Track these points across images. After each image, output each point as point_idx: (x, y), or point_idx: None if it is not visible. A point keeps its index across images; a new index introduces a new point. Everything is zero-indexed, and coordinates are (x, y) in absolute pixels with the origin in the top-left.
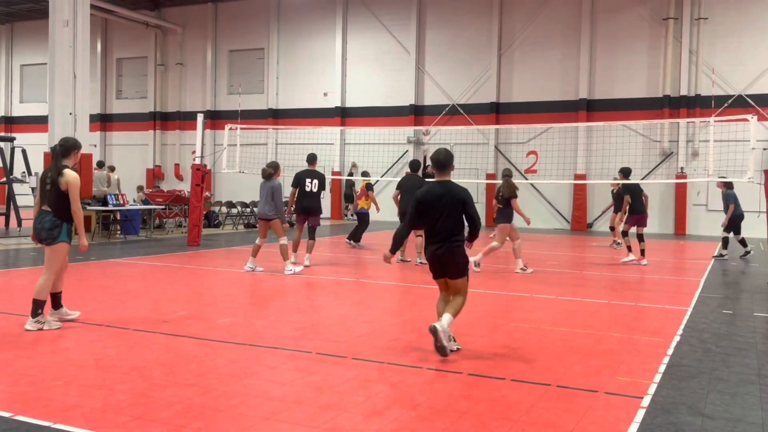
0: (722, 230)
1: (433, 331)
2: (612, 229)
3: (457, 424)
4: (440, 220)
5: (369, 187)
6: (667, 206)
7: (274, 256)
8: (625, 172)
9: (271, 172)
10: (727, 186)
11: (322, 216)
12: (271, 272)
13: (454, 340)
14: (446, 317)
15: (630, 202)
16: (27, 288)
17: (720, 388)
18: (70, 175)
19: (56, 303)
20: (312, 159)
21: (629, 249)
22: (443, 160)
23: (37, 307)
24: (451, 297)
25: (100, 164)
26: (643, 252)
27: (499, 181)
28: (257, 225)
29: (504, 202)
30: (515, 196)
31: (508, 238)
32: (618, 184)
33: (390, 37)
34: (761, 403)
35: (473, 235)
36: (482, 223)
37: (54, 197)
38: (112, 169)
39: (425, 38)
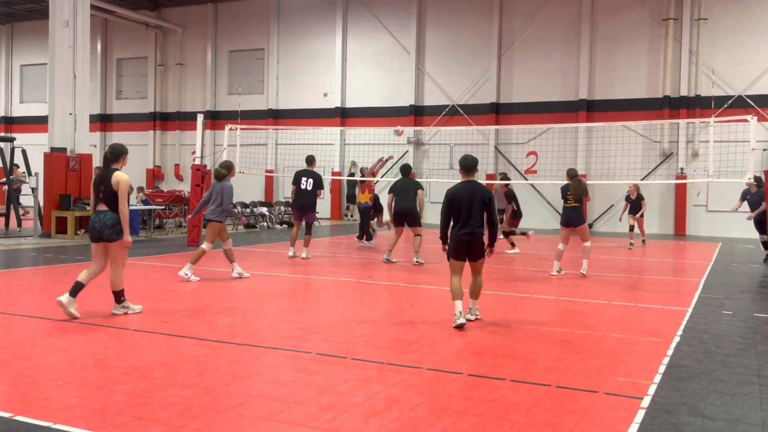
0: (759, 234)
1: (461, 326)
2: (631, 228)
3: (456, 424)
4: (470, 213)
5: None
6: (667, 207)
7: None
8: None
9: (224, 173)
10: (759, 184)
11: (320, 216)
12: (268, 274)
13: (471, 311)
14: (474, 303)
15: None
16: (27, 288)
17: (720, 389)
18: (120, 176)
19: (75, 292)
20: (310, 160)
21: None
22: (470, 164)
23: (120, 296)
24: (469, 278)
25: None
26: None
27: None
28: (257, 226)
29: (579, 201)
30: (587, 194)
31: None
32: (635, 188)
33: (390, 37)
34: (761, 404)
35: (492, 230)
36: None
37: (111, 196)
38: None
39: (425, 38)
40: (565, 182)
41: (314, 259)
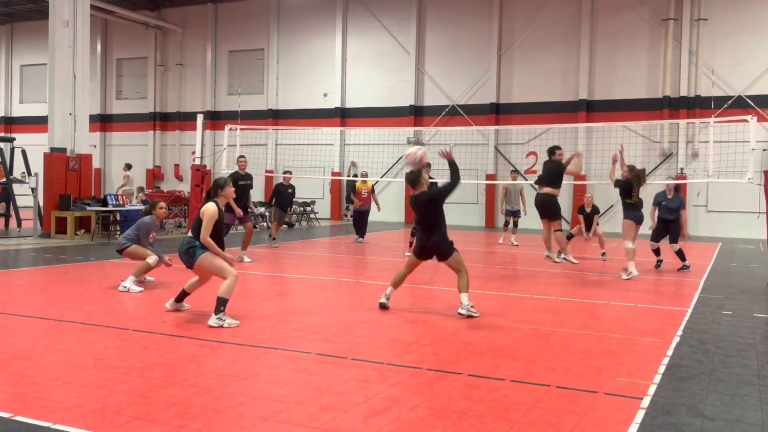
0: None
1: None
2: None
3: (456, 424)
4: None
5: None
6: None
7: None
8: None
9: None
10: (676, 188)
11: (320, 216)
12: (268, 274)
13: (472, 308)
14: (464, 296)
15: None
16: (27, 288)
17: (720, 389)
18: (207, 207)
19: (181, 298)
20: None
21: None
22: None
23: (221, 305)
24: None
25: (129, 166)
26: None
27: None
28: (256, 226)
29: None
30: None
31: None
32: (591, 199)
33: (390, 37)
34: (761, 404)
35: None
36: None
37: (195, 223)
38: (128, 167)
39: (425, 39)
40: (623, 179)
41: (314, 260)
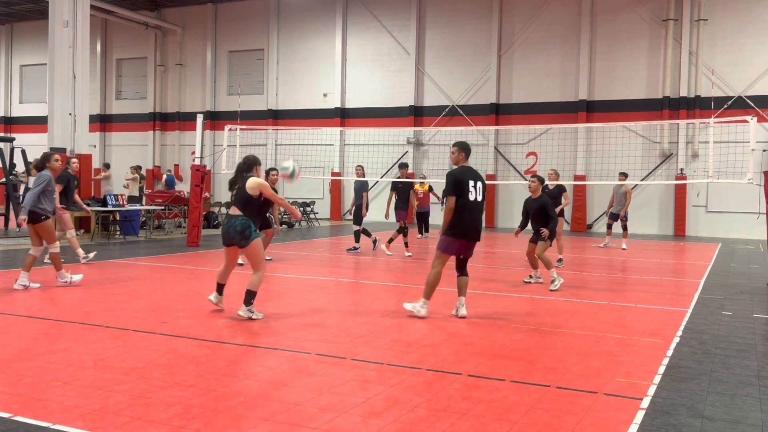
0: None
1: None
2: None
3: (456, 425)
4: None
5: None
6: (667, 207)
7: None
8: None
9: (39, 163)
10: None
11: (320, 216)
12: (269, 274)
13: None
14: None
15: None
16: (27, 288)
17: (719, 390)
18: (254, 179)
19: (220, 290)
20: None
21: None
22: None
23: (251, 297)
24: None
25: (107, 166)
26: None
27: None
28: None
29: None
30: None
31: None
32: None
33: (390, 37)
34: (761, 405)
35: None
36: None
37: (242, 201)
38: (137, 169)
39: (425, 39)
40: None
41: (314, 260)
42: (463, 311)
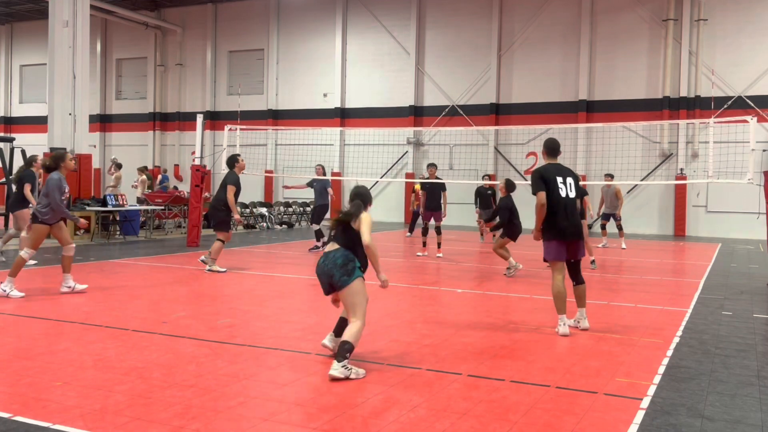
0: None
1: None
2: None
3: (456, 425)
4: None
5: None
6: (667, 207)
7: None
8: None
9: (49, 164)
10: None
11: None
12: (267, 275)
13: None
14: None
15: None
16: (27, 288)
17: (719, 390)
18: (367, 216)
19: (339, 331)
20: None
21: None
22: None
23: (348, 351)
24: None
25: (144, 168)
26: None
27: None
28: (256, 226)
29: None
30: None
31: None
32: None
33: (390, 37)
34: (761, 405)
35: None
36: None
37: (347, 239)
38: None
39: (425, 39)
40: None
41: (314, 260)
42: (585, 323)
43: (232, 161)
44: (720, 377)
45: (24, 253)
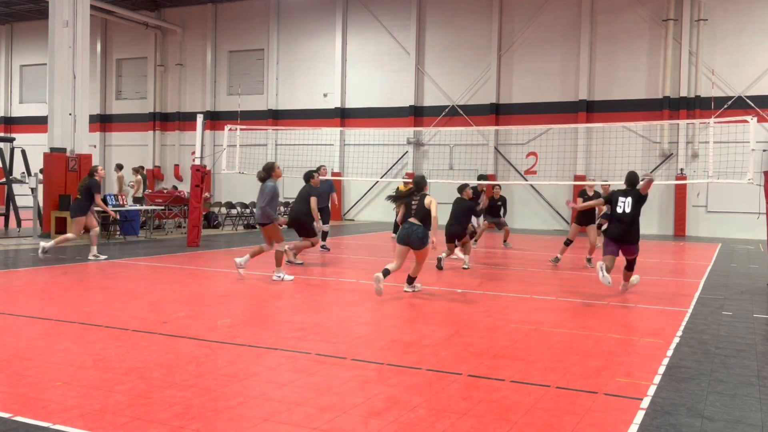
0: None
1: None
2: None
3: (456, 425)
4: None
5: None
6: (667, 207)
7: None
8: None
9: (263, 175)
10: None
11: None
12: (267, 275)
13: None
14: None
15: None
16: (26, 289)
17: (719, 390)
18: (431, 198)
19: (411, 281)
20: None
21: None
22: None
23: (412, 281)
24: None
25: (141, 168)
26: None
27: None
28: (257, 227)
29: None
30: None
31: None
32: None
33: (390, 37)
34: (761, 405)
35: None
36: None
37: (422, 214)
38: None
39: (425, 39)
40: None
41: (314, 259)
42: (624, 287)
43: (309, 175)
44: (720, 377)
45: (280, 247)
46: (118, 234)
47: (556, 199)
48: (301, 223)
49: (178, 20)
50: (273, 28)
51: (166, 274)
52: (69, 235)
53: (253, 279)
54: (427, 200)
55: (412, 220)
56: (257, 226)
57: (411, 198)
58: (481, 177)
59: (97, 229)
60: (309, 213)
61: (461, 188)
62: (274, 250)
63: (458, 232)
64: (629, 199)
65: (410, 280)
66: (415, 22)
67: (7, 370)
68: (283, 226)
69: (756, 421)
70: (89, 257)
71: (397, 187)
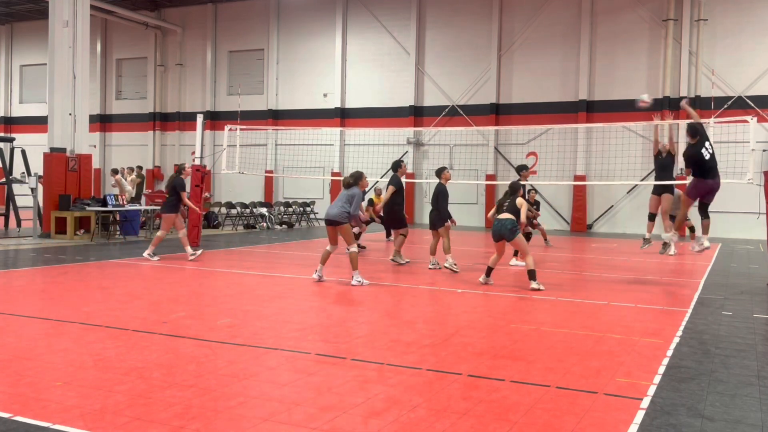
0: None
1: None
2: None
3: (456, 425)
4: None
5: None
6: None
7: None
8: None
9: (350, 182)
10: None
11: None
12: (267, 275)
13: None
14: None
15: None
16: (27, 288)
17: (719, 390)
18: (521, 201)
19: (489, 272)
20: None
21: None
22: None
23: (533, 274)
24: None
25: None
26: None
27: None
28: (257, 226)
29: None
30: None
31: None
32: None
33: (390, 37)
34: (761, 405)
35: None
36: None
37: (512, 209)
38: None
39: (425, 39)
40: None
41: (314, 260)
42: (706, 243)
43: (397, 164)
44: (720, 377)
45: (353, 248)
46: (117, 234)
47: (556, 199)
48: (390, 217)
49: (178, 20)
50: (273, 28)
51: (166, 274)
52: (159, 233)
53: (253, 279)
54: (518, 201)
55: (502, 215)
56: (328, 225)
57: (505, 199)
58: (521, 168)
59: (185, 230)
60: (401, 203)
61: (439, 171)
62: (344, 252)
63: (437, 219)
64: (708, 144)
65: (530, 275)
66: (415, 22)
67: (7, 370)
68: (359, 227)
69: (756, 421)
70: (189, 258)
71: (370, 199)
